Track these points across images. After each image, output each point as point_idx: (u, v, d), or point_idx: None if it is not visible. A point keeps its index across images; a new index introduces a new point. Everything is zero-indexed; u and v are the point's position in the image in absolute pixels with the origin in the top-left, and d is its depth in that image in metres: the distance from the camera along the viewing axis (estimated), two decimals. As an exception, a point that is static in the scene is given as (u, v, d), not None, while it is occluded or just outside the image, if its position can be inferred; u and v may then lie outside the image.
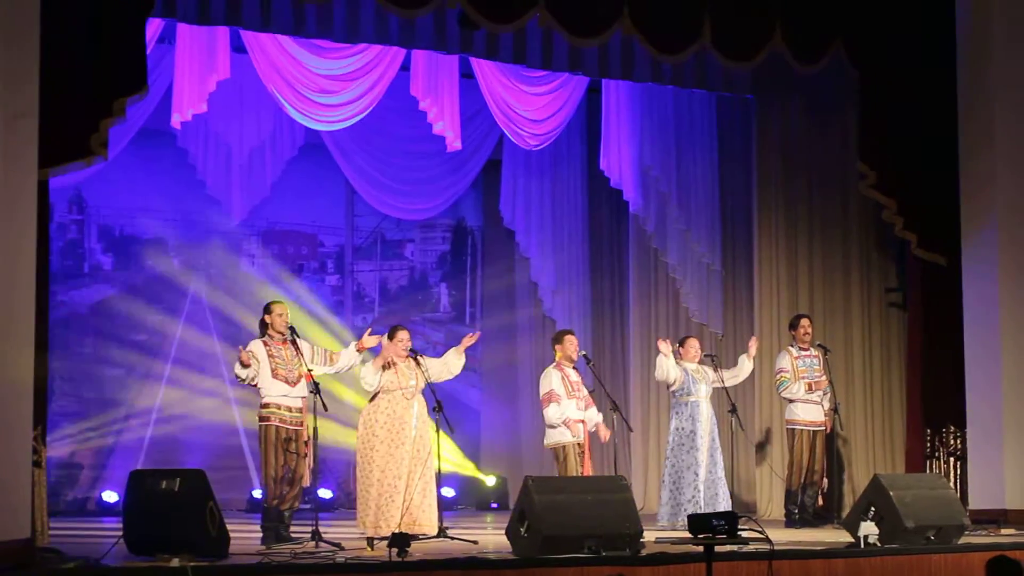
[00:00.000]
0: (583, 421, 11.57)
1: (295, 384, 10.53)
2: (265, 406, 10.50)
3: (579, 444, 11.51)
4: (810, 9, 12.76)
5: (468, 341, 11.15)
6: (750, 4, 12.57)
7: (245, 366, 10.35)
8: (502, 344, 16.48)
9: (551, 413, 11.45)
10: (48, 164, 9.42)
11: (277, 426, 10.45)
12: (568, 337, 11.78)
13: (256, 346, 10.54)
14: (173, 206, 14.93)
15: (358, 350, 10.87)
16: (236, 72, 12.70)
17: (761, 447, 13.94)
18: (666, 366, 12.29)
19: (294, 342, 10.60)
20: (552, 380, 11.54)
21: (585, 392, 11.67)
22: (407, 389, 10.86)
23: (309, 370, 10.53)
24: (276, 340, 10.59)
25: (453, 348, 11.21)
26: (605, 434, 11.75)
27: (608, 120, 14.50)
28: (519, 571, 8.92)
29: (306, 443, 10.54)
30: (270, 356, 10.48)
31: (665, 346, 12.35)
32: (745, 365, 12.74)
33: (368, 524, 10.64)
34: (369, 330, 11.10)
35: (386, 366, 10.82)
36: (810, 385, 12.64)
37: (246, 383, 10.53)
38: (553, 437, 11.49)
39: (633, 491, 10.11)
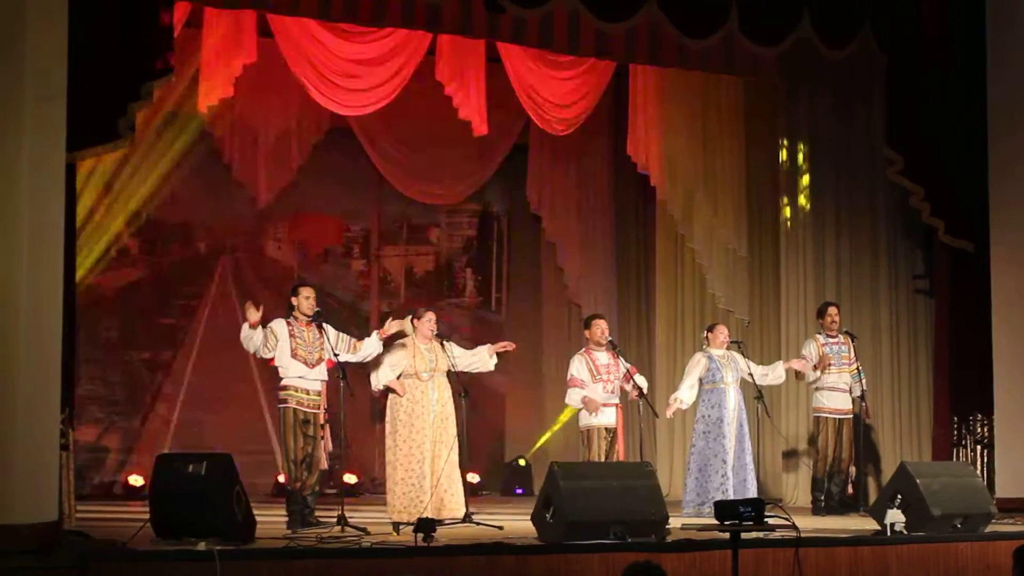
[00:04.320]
0: (617, 405, 11.60)
1: (314, 367, 10.58)
2: (283, 388, 10.60)
3: (608, 429, 11.54)
4: (838, -7, 12.72)
5: (503, 346, 11.24)
6: (777, -12, 12.54)
7: (252, 326, 10.37)
8: (527, 329, 16.48)
9: (567, 397, 11.63)
10: (76, 147, 9.45)
11: (295, 408, 10.51)
12: (596, 321, 11.83)
13: (278, 324, 10.60)
14: (199, 190, 14.94)
15: (381, 338, 10.89)
16: (262, 56, 12.70)
17: (788, 434, 13.90)
18: (680, 401, 12.32)
19: (320, 326, 10.64)
20: (575, 365, 11.64)
21: (621, 372, 11.64)
22: (424, 372, 10.89)
23: (335, 355, 10.57)
24: (300, 322, 10.64)
25: (488, 345, 11.24)
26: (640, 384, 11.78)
27: (635, 105, 14.46)
28: (544, 557, 8.91)
29: (322, 427, 10.57)
30: (291, 336, 10.55)
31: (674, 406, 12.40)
32: (779, 371, 12.64)
33: (402, 509, 10.65)
34: (391, 318, 11.11)
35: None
36: (816, 366, 12.54)
37: (256, 353, 10.57)
38: (583, 420, 11.58)
39: (659, 477, 10.10)
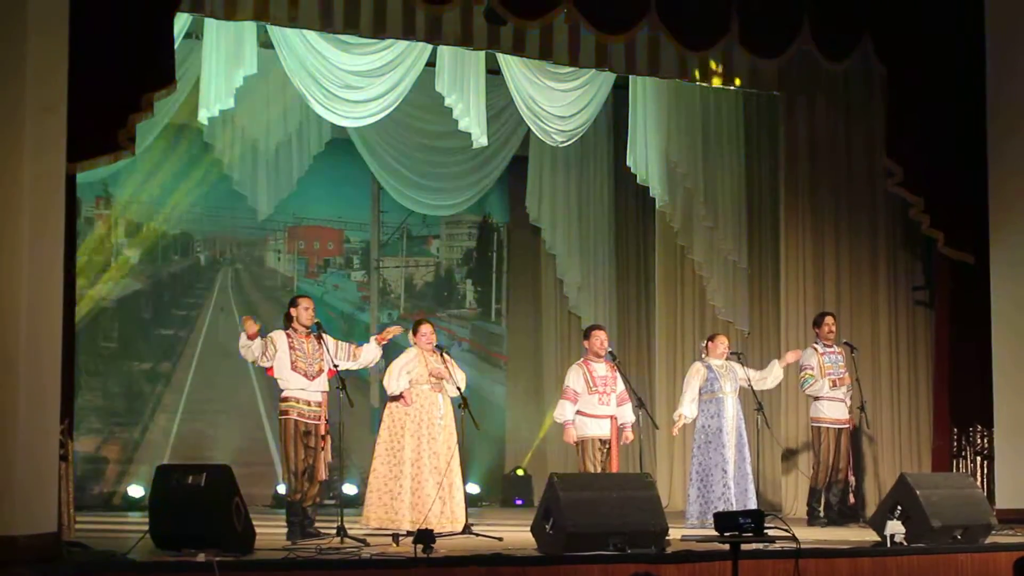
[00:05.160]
0: (611, 417, 11.61)
1: (314, 378, 10.57)
2: (284, 400, 10.59)
3: (602, 440, 11.55)
4: (838, 5, 12.71)
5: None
6: (778, 0, 12.53)
7: (250, 337, 10.38)
8: (527, 340, 16.49)
9: (556, 410, 11.69)
10: (76, 158, 9.44)
11: (296, 420, 10.51)
12: (595, 332, 11.83)
13: (278, 335, 10.59)
14: (199, 201, 14.95)
15: (379, 343, 10.91)
16: (263, 67, 12.71)
17: (787, 445, 13.89)
18: (684, 417, 12.31)
19: (319, 337, 10.64)
20: (571, 376, 11.65)
21: (619, 388, 11.67)
22: (435, 383, 10.94)
23: (335, 365, 10.57)
24: (299, 333, 10.63)
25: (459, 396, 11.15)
26: (628, 436, 11.71)
27: (635, 116, 14.47)
28: (544, 568, 8.91)
29: (323, 438, 10.57)
30: (291, 348, 10.54)
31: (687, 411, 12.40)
32: (775, 371, 12.65)
33: (379, 517, 10.69)
34: (390, 329, 11.12)
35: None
36: (834, 382, 12.61)
37: (254, 362, 10.58)
38: (578, 430, 11.57)
39: (658, 488, 10.09)
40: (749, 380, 12.43)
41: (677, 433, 12.66)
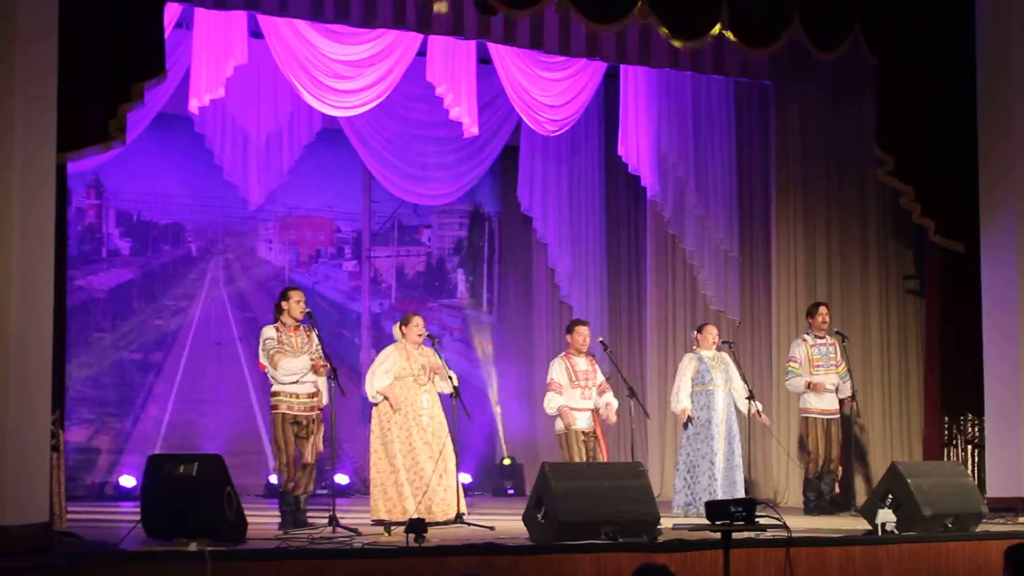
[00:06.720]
0: (593, 410, 11.64)
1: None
2: (274, 394, 10.61)
3: (584, 432, 11.57)
4: (828, -5, 12.72)
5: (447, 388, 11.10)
6: (768, -11, 12.54)
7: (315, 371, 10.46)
8: (519, 330, 16.49)
9: (546, 402, 11.70)
10: (66, 148, 9.42)
11: (284, 412, 10.51)
12: (578, 328, 11.87)
13: (270, 332, 10.57)
14: (190, 191, 14.95)
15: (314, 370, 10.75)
16: (253, 57, 12.71)
17: (778, 434, 13.89)
18: (689, 410, 12.29)
19: (311, 329, 10.63)
20: (554, 370, 11.71)
21: (599, 380, 11.71)
22: (419, 376, 10.91)
23: (327, 355, 10.58)
24: (288, 327, 10.62)
25: (450, 381, 11.06)
26: (611, 417, 11.72)
27: (626, 106, 14.47)
28: (536, 557, 8.92)
29: (315, 424, 10.58)
30: (279, 342, 10.52)
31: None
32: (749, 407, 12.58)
33: (386, 510, 10.68)
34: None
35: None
36: (809, 384, 12.59)
37: (268, 372, 10.57)
38: (559, 424, 11.60)
39: (650, 477, 10.10)
40: (744, 379, 12.39)
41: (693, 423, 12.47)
